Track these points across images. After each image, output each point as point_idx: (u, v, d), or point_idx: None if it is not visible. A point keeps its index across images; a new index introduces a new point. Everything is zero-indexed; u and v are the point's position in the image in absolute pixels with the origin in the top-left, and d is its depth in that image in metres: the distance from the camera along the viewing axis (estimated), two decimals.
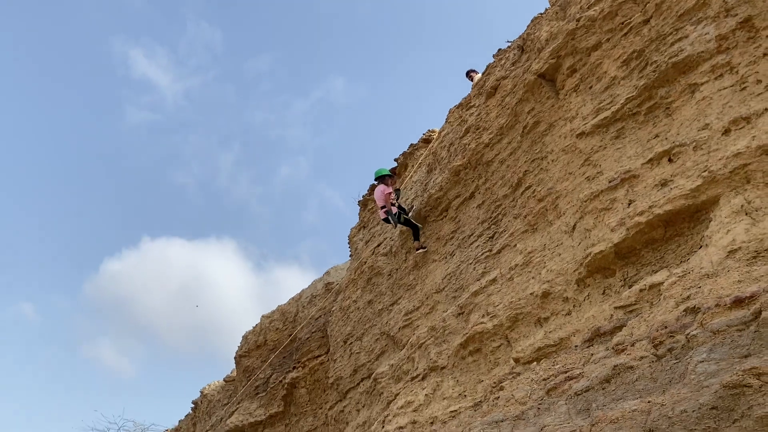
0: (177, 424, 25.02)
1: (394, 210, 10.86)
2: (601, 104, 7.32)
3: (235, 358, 20.53)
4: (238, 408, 19.41)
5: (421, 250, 10.74)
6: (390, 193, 11.03)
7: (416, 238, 10.91)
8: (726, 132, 5.91)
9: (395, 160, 13.79)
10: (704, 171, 5.88)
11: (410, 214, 11.30)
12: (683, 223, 6.12)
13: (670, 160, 6.36)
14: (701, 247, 5.74)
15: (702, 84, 6.31)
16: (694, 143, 6.13)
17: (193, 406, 23.93)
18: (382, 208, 11.10)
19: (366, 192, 14.75)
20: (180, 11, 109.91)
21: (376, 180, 11.51)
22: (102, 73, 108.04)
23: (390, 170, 13.14)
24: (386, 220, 11.21)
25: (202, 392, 23.39)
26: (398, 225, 11.10)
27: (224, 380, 22.28)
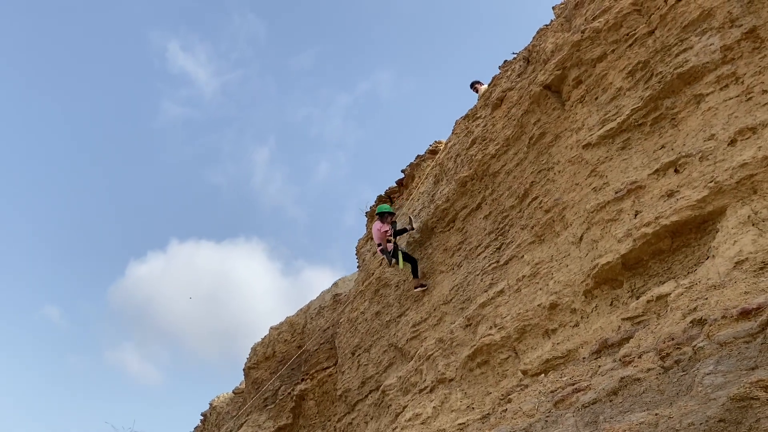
0: None
1: (390, 247, 10.92)
2: (607, 115, 7.32)
3: (243, 370, 20.54)
4: (246, 420, 19.40)
5: (420, 288, 10.74)
6: (386, 231, 11.04)
7: (415, 274, 10.92)
8: (732, 142, 5.90)
9: (402, 171, 13.83)
10: (710, 182, 5.87)
11: (415, 227, 11.32)
12: (690, 234, 6.10)
13: (676, 171, 6.35)
14: (708, 258, 5.72)
15: (707, 94, 6.31)
16: (700, 154, 6.12)
17: (202, 418, 23.94)
18: (378, 245, 11.18)
19: (373, 203, 14.78)
20: (224, 2, 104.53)
21: (377, 215, 11.53)
22: (138, 66, 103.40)
23: (391, 194, 13.25)
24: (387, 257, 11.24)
25: (211, 404, 23.41)
26: (394, 262, 11.09)
27: (233, 392, 22.30)
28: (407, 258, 11.05)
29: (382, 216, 11.32)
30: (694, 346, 4.59)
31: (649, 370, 4.95)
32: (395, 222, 11.50)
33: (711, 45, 6.31)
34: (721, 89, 6.21)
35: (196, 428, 24.38)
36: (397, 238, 11.48)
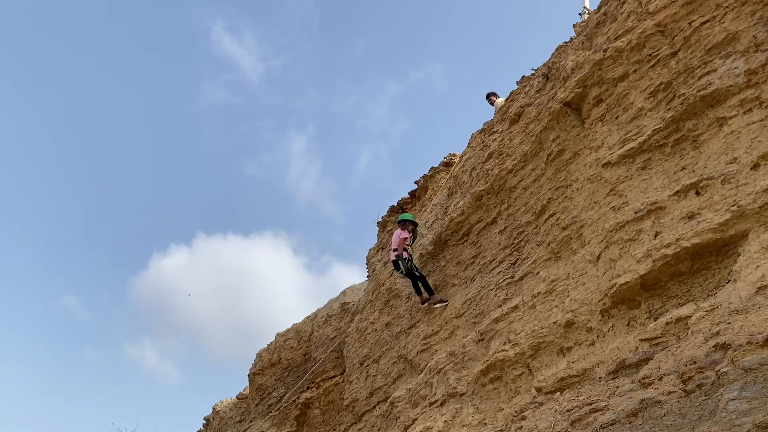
0: None
1: (405, 255, 10.84)
2: (628, 135, 7.34)
3: (248, 375, 20.54)
4: (250, 426, 19.38)
5: (440, 304, 10.51)
6: (405, 239, 11.02)
7: (430, 291, 10.77)
8: (755, 167, 5.90)
9: (415, 182, 13.87)
10: (733, 205, 5.87)
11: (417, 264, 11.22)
12: (710, 257, 6.10)
13: (697, 193, 6.36)
14: (729, 281, 5.72)
15: (730, 118, 6.32)
16: (723, 177, 6.13)
17: (204, 422, 23.90)
18: (394, 251, 11.06)
19: (385, 213, 14.82)
20: None
21: (398, 223, 11.49)
22: (179, 47, 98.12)
23: (403, 204, 13.28)
24: (395, 265, 11.12)
25: (214, 409, 23.38)
26: (405, 274, 10.95)
27: (237, 397, 22.27)
28: (419, 274, 10.91)
29: (404, 224, 11.32)
30: (718, 371, 4.59)
31: (670, 392, 4.94)
32: (415, 231, 11.44)
33: (735, 68, 6.33)
34: (744, 113, 6.22)
35: None
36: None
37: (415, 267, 10.97)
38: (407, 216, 11.55)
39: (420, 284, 10.96)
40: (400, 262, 10.88)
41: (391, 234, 12.24)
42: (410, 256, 10.98)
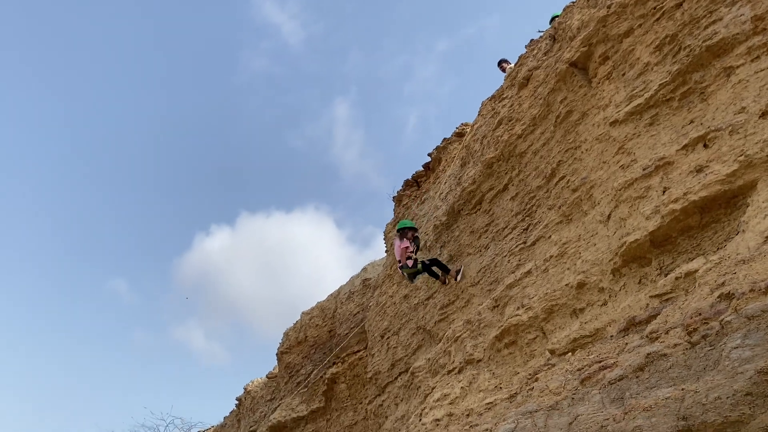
0: (222, 420, 25.56)
1: (410, 263, 10.56)
2: (635, 91, 7.20)
3: (276, 354, 20.88)
4: (280, 404, 19.73)
5: (460, 275, 10.33)
6: (407, 248, 10.67)
7: (446, 269, 10.64)
8: (763, 115, 5.75)
9: (429, 155, 13.80)
10: (740, 155, 5.74)
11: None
12: (719, 210, 5.98)
13: (705, 146, 6.23)
14: (738, 233, 5.61)
15: (738, 67, 6.15)
16: (730, 127, 5.98)
17: (237, 402, 24.39)
18: (398, 262, 10.79)
19: (401, 188, 14.80)
20: None
21: (397, 231, 11.12)
22: (219, 16, 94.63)
23: (417, 177, 13.05)
24: (405, 275, 10.89)
25: (245, 389, 23.84)
26: (419, 274, 10.78)
27: (267, 377, 22.67)
28: (428, 267, 10.72)
29: (403, 232, 10.88)
30: (722, 320, 4.53)
31: (675, 345, 4.89)
32: (417, 237, 11.05)
33: (741, 15, 6.14)
34: (752, 61, 6.05)
35: (231, 413, 24.88)
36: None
37: (423, 263, 10.71)
38: (406, 223, 11.08)
39: (434, 269, 10.84)
40: (404, 273, 10.68)
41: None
42: (415, 260, 10.67)
